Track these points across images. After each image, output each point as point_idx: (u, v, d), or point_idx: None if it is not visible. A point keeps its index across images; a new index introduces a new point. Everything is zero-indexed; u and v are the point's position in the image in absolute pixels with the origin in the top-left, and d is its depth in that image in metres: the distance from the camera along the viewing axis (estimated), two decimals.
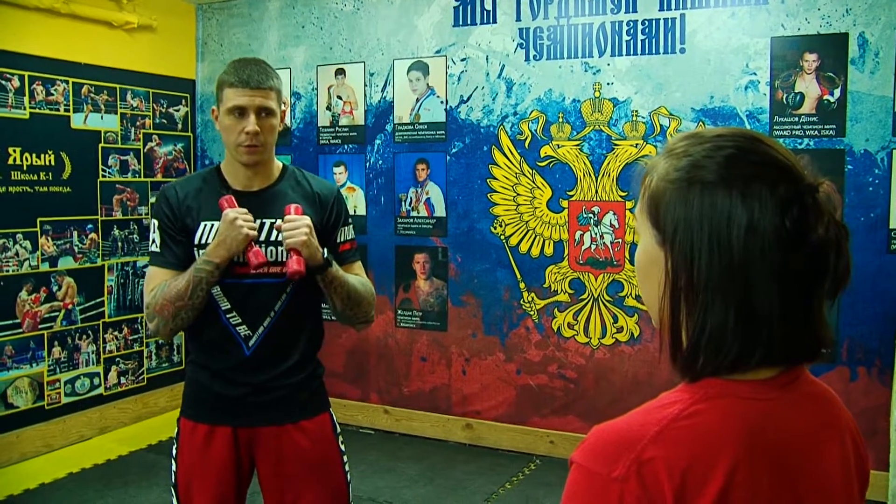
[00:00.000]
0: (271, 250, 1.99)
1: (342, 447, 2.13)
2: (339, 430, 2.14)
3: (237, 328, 2.01)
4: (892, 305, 3.54)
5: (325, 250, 1.97)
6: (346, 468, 2.10)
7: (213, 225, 1.98)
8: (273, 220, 2.00)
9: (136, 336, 4.75)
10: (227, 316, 2.01)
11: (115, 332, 4.63)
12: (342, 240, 2.12)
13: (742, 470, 0.83)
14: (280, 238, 1.97)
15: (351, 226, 2.15)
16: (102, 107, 4.49)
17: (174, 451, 2.10)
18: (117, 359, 4.64)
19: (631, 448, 0.83)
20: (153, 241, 2.05)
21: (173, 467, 2.09)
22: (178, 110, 4.97)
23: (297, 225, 1.89)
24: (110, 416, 4.58)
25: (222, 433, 2.02)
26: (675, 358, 0.92)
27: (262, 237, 1.99)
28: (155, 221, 2.04)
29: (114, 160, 4.57)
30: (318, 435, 1.99)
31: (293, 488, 2.02)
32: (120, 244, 4.63)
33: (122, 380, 4.68)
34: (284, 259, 1.97)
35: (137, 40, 4.68)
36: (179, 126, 5.00)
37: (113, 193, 4.58)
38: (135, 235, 4.70)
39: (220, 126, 1.99)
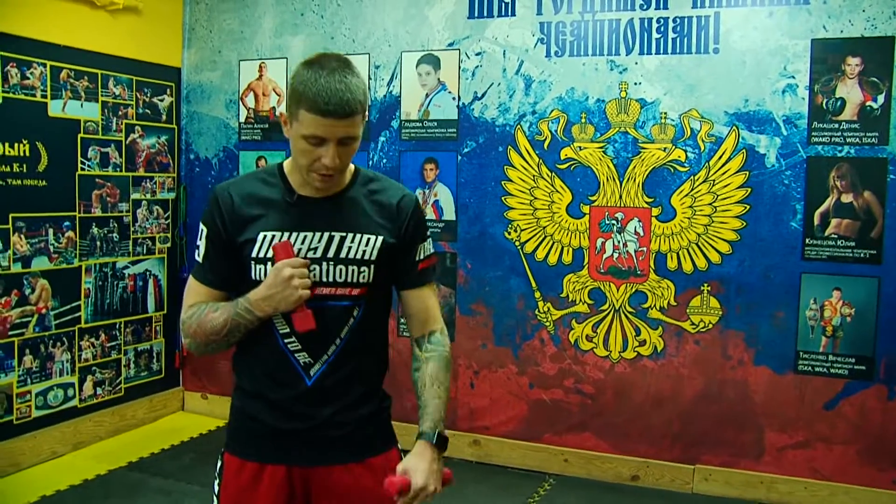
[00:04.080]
0: (340, 269, 1.71)
1: None
2: None
3: (296, 355, 1.73)
4: None
5: (436, 434, 1.70)
6: None
7: (274, 236, 1.69)
8: (343, 235, 1.72)
9: (114, 343, 4.38)
10: (286, 341, 1.72)
11: (92, 339, 4.25)
12: (421, 257, 1.83)
13: None
14: (350, 256, 1.71)
15: (430, 239, 1.87)
16: (82, 94, 4.11)
17: (216, 489, 1.80)
18: (93, 368, 4.27)
19: None
20: (198, 248, 1.76)
21: None
22: (162, 100, 4.61)
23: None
24: (85, 431, 4.20)
25: (275, 472, 1.73)
26: None
27: (331, 254, 1.71)
28: (203, 228, 1.75)
29: (94, 152, 4.20)
30: (387, 474, 1.72)
31: None
32: (99, 243, 4.25)
33: (99, 391, 4.30)
34: (355, 280, 1.72)
35: (121, 23, 4.31)
36: (164, 117, 4.63)
37: (92, 188, 4.20)
38: (115, 234, 4.33)
39: (291, 140, 1.67)
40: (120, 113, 4.33)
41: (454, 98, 4.13)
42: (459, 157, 4.14)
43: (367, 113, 1.69)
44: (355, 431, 1.77)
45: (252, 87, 4.58)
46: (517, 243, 4.04)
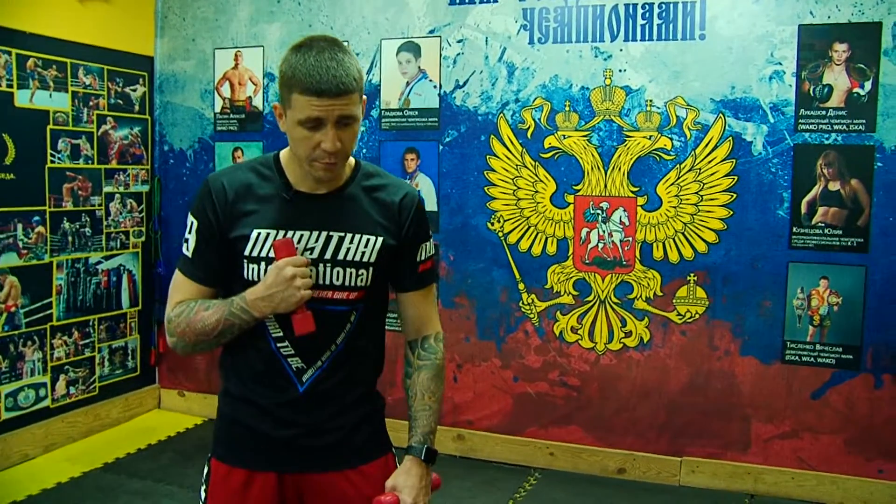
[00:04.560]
0: (338, 271, 1.63)
1: None
2: None
3: (289, 360, 1.64)
4: None
5: (425, 450, 1.65)
6: None
7: (268, 234, 1.60)
8: (342, 234, 1.63)
9: (87, 341, 4.25)
10: (278, 344, 1.64)
11: (65, 338, 4.12)
12: (422, 258, 1.75)
13: None
14: (349, 258, 1.63)
15: (431, 238, 1.78)
16: (51, 83, 3.97)
17: (203, 495, 1.71)
18: (66, 367, 4.14)
19: None
20: (186, 241, 1.66)
21: None
22: (135, 90, 4.48)
23: None
24: (58, 432, 4.08)
25: (265, 480, 1.65)
26: None
27: (328, 255, 1.62)
28: (193, 221, 1.65)
29: (64, 144, 4.06)
30: (382, 481, 1.64)
31: None
32: (70, 238, 4.12)
33: (72, 390, 4.18)
34: (353, 283, 1.64)
35: (91, 10, 4.17)
36: (136, 108, 4.50)
37: (63, 181, 4.06)
38: (87, 228, 4.20)
39: (287, 130, 1.58)
40: (91, 103, 4.20)
41: (435, 86, 4.04)
42: (441, 147, 4.05)
43: (363, 94, 1.59)
44: (349, 436, 1.69)
45: (227, 77, 4.46)
46: (500, 234, 3.97)
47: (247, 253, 1.61)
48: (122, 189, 4.42)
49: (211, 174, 1.70)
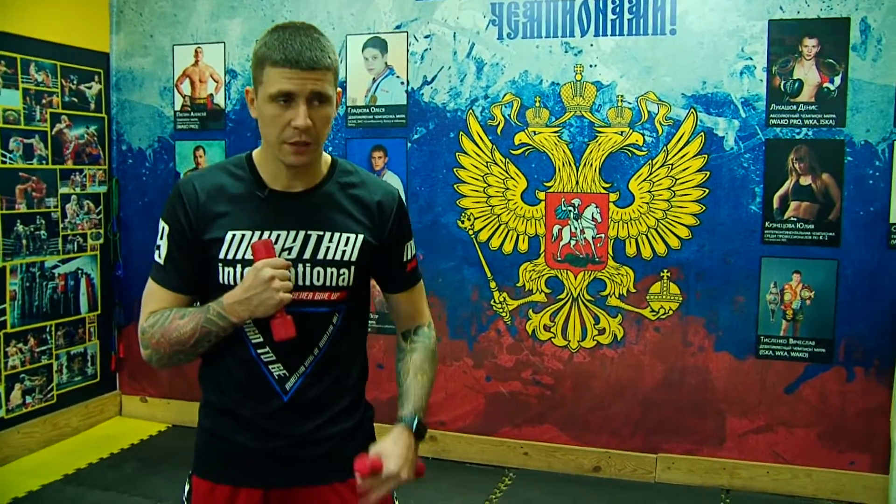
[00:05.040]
0: (318, 272, 1.55)
1: None
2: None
3: (270, 367, 1.56)
4: (891, 303, 3.40)
5: (416, 421, 1.57)
6: None
7: (243, 236, 1.53)
8: (321, 233, 1.56)
9: (44, 348, 4.09)
10: (259, 351, 1.56)
11: (20, 345, 3.96)
12: (407, 258, 1.70)
13: None
14: (329, 257, 1.56)
15: (413, 239, 1.73)
16: (0, 80, 3.81)
17: None
18: (22, 375, 3.98)
19: None
20: (158, 248, 1.57)
21: None
22: (90, 87, 4.32)
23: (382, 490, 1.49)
24: (14, 443, 3.92)
25: (249, 496, 1.57)
26: None
27: (307, 255, 1.55)
28: (164, 226, 1.57)
29: (16, 144, 3.89)
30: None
31: None
32: (25, 242, 3.96)
33: (28, 399, 4.02)
34: (334, 283, 1.57)
35: (42, 3, 4.00)
36: (92, 106, 4.34)
37: (15, 182, 3.90)
38: (42, 231, 4.04)
39: (259, 114, 1.51)
40: (44, 101, 4.04)
41: (402, 83, 3.97)
42: (409, 144, 3.98)
43: (338, 83, 1.53)
44: (338, 447, 1.62)
45: (188, 74, 4.33)
46: (470, 232, 3.91)
47: (221, 256, 1.53)
48: (78, 190, 4.26)
49: (181, 178, 1.62)
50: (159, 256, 1.57)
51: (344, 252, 1.57)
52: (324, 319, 1.58)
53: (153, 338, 1.53)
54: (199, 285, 1.58)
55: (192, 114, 4.34)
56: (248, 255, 1.52)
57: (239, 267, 1.53)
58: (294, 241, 1.55)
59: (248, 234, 1.53)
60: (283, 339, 1.49)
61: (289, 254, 1.54)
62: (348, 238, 1.58)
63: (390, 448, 1.50)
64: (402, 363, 1.69)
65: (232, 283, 1.53)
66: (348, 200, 1.61)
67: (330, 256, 1.56)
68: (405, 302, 1.73)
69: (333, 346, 1.60)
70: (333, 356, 1.60)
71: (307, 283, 1.55)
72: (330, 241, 1.57)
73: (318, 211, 1.57)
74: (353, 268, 1.58)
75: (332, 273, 1.56)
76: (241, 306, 1.48)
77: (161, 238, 1.57)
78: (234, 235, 1.53)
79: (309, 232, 1.55)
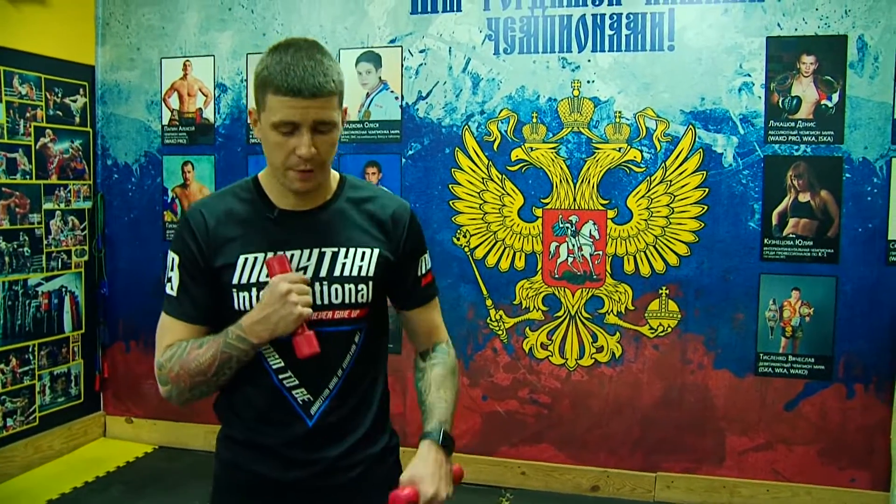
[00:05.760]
0: (336, 289, 1.50)
1: None
2: None
3: (293, 392, 1.50)
4: (890, 319, 3.40)
5: (442, 433, 1.50)
6: None
7: (256, 259, 1.47)
8: (335, 250, 1.51)
9: (26, 368, 3.97)
10: (280, 377, 1.49)
11: (1, 366, 3.84)
12: (422, 272, 1.64)
13: None
14: (346, 273, 1.50)
15: (428, 252, 1.68)
16: None
17: None
18: (3, 397, 3.85)
19: None
20: (169, 279, 1.51)
21: None
22: (75, 101, 4.22)
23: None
24: None
25: None
26: None
27: (323, 272, 1.50)
28: (174, 257, 1.51)
29: None
30: None
31: None
32: (7, 259, 3.84)
33: (10, 422, 3.89)
34: (353, 300, 1.51)
35: (25, 14, 3.91)
36: (77, 119, 4.24)
37: None
38: (25, 248, 3.92)
39: (262, 138, 1.46)
40: (28, 114, 3.93)
41: (397, 98, 3.92)
42: (403, 160, 3.93)
43: (343, 100, 1.47)
44: (365, 473, 1.56)
45: (176, 87, 4.25)
46: (466, 249, 3.86)
47: (235, 281, 1.48)
48: (63, 206, 4.15)
49: (189, 207, 1.56)
50: (171, 288, 1.51)
51: (360, 267, 1.53)
52: (346, 339, 1.53)
53: (171, 371, 1.46)
54: (214, 315, 1.52)
55: (180, 128, 4.25)
56: (263, 278, 1.47)
57: (254, 290, 1.47)
58: (308, 259, 1.50)
59: (261, 256, 1.49)
60: (307, 355, 1.43)
61: (304, 273, 1.49)
62: (364, 253, 1.54)
63: (421, 471, 1.44)
64: (422, 382, 1.63)
65: (248, 308, 1.47)
66: (361, 215, 1.57)
67: (347, 273, 1.51)
68: (422, 319, 1.68)
69: (357, 366, 1.54)
70: (357, 377, 1.55)
71: (326, 301, 1.50)
72: (345, 256, 1.52)
73: (331, 227, 1.53)
74: (370, 283, 1.53)
75: (350, 290, 1.51)
76: (260, 325, 1.42)
77: (171, 269, 1.52)
78: (245, 259, 1.48)
79: (323, 249, 1.51)
